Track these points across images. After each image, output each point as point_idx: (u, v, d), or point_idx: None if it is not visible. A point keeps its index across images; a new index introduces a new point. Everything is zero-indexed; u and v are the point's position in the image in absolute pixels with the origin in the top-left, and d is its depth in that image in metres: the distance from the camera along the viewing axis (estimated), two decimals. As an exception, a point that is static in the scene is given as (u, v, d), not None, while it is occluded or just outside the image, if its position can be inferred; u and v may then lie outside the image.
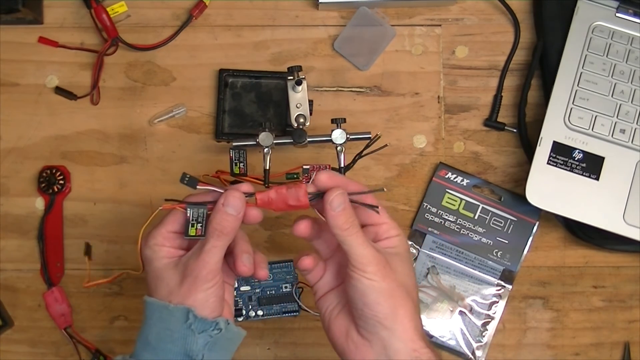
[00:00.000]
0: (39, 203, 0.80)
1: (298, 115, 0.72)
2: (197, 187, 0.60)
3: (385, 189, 0.61)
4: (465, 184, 0.80)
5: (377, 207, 0.59)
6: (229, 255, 0.60)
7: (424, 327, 0.58)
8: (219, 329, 0.57)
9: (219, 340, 0.57)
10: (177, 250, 0.59)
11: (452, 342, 0.79)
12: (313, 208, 0.60)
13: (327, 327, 0.60)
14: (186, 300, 0.57)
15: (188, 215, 0.59)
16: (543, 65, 0.80)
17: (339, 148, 0.70)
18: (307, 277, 0.62)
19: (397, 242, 0.60)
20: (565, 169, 0.76)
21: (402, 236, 0.60)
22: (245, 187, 0.60)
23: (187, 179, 0.60)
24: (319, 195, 0.59)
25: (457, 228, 0.80)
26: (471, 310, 0.80)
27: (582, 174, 0.76)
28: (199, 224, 0.59)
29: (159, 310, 0.57)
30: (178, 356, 0.56)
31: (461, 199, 0.80)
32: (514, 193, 0.80)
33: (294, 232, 0.61)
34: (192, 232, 0.59)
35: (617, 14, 0.78)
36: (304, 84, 0.72)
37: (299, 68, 0.72)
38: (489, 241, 0.80)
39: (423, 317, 0.79)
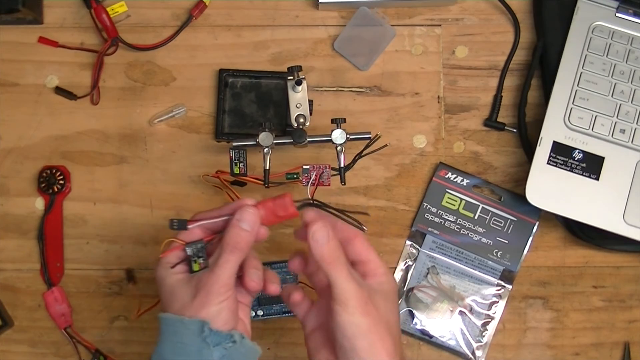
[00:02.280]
0: (39, 203, 0.80)
1: (298, 115, 0.72)
2: (188, 227, 0.62)
3: (365, 223, 0.62)
4: (465, 184, 0.80)
5: (364, 227, 0.61)
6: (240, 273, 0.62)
7: None
8: (234, 342, 0.58)
9: (234, 355, 0.58)
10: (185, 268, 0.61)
11: (452, 342, 0.79)
12: (298, 239, 0.61)
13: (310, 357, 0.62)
14: (199, 313, 0.57)
15: (189, 254, 0.60)
16: (543, 65, 0.80)
17: (339, 148, 0.70)
18: (294, 310, 0.64)
19: (384, 279, 0.61)
20: (565, 169, 0.76)
21: (389, 275, 0.61)
22: (249, 201, 0.61)
23: (175, 224, 0.61)
24: (308, 204, 0.60)
25: (457, 228, 0.80)
26: (471, 310, 0.80)
27: (582, 174, 0.76)
28: (201, 258, 0.60)
29: (173, 324, 0.58)
30: None
31: (461, 199, 0.80)
32: (514, 193, 0.80)
33: (289, 268, 0.64)
34: (195, 267, 0.60)
35: (617, 14, 0.78)
36: (304, 84, 0.72)
37: (299, 68, 0.72)
38: (489, 241, 0.80)
39: (423, 317, 0.79)
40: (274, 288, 0.62)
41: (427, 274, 0.80)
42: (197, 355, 0.57)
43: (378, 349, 0.57)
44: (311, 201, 0.61)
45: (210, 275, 0.58)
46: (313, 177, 0.68)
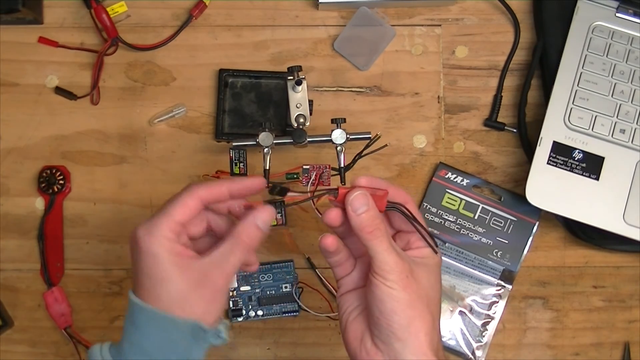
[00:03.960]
0: (39, 203, 0.80)
1: (298, 115, 0.72)
2: (289, 193, 0.59)
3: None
4: (465, 184, 0.80)
5: (401, 205, 0.57)
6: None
7: (441, 343, 0.57)
8: (222, 338, 0.55)
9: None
10: (186, 250, 0.55)
11: (452, 342, 0.79)
12: (328, 219, 0.58)
13: (344, 328, 0.58)
14: (199, 308, 0.53)
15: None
16: (543, 65, 0.80)
17: (339, 148, 0.70)
18: (334, 269, 0.60)
19: (428, 253, 0.58)
20: (565, 169, 0.76)
21: (432, 238, 0.58)
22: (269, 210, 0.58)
23: (277, 189, 0.58)
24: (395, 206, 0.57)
25: (457, 228, 0.80)
26: (471, 310, 0.80)
27: (582, 174, 0.76)
28: (279, 214, 0.57)
29: (162, 320, 0.53)
30: None
31: (461, 199, 0.80)
32: (514, 193, 0.80)
33: (325, 220, 0.58)
34: (272, 222, 0.57)
35: (617, 14, 0.78)
36: (304, 84, 0.72)
37: (299, 68, 0.72)
38: (489, 241, 0.80)
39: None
40: (255, 266, 0.60)
41: (427, 274, 0.80)
42: (185, 352, 0.53)
43: (416, 327, 0.54)
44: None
45: (221, 272, 0.54)
46: (313, 177, 0.68)
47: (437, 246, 0.58)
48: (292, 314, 0.80)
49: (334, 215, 0.57)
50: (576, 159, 0.76)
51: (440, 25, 0.82)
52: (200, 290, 0.53)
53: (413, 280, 0.54)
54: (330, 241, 0.58)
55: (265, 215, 0.56)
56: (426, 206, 0.80)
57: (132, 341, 0.54)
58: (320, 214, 0.58)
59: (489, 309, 0.80)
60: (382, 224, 0.55)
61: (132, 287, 0.55)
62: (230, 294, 0.80)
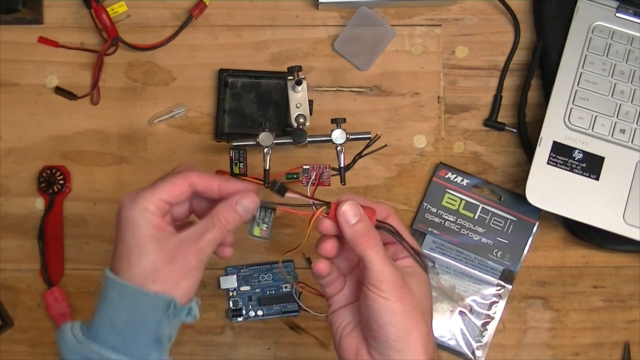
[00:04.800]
0: (39, 203, 0.80)
1: (298, 115, 0.72)
2: (287, 194, 0.59)
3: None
4: (465, 184, 0.80)
5: (389, 225, 0.58)
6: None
7: (436, 350, 0.57)
8: (193, 315, 0.55)
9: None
10: (165, 225, 0.55)
11: (452, 342, 0.79)
12: (321, 230, 0.58)
13: (338, 343, 0.58)
14: (170, 282, 0.53)
15: (256, 214, 0.57)
16: (543, 65, 0.80)
17: (339, 148, 0.70)
18: (325, 289, 0.60)
19: (415, 262, 0.58)
20: (565, 169, 0.76)
21: (422, 256, 0.59)
22: (252, 191, 0.58)
23: (277, 186, 0.58)
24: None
25: (457, 228, 0.80)
26: (471, 310, 0.80)
27: (582, 174, 0.76)
28: (265, 225, 0.57)
29: (133, 294, 0.53)
30: (148, 341, 0.53)
31: (461, 199, 0.80)
32: (514, 193, 0.80)
33: (319, 252, 0.58)
34: (256, 232, 0.58)
35: (617, 14, 0.78)
36: (304, 84, 0.72)
37: (299, 68, 0.72)
38: (489, 241, 0.80)
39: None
40: (229, 251, 0.60)
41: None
42: (156, 328, 0.53)
43: (414, 338, 0.54)
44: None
45: (195, 247, 0.54)
46: (313, 177, 0.68)
47: (427, 263, 0.59)
48: (292, 314, 0.80)
49: (329, 247, 0.58)
50: (576, 159, 0.76)
51: (440, 25, 0.82)
52: (172, 265, 0.53)
53: (407, 291, 0.55)
54: (323, 266, 0.58)
55: (247, 202, 0.56)
56: (426, 206, 0.80)
57: (103, 317, 0.54)
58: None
59: (489, 309, 0.80)
60: (376, 233, 0.56)
61: (110, 264, 0.55)
62: (230, 294, 0.80)
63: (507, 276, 0.80)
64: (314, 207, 0.58)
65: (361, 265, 0.56)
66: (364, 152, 0.71)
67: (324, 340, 0.80)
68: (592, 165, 0.76)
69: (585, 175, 0.76)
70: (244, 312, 0.80)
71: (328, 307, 0.60)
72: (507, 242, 0.80)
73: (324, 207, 0.57)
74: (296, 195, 0.59)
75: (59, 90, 0.81)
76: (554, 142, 0.76)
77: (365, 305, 0.55)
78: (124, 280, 0.53)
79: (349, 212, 0.56)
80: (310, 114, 0.75)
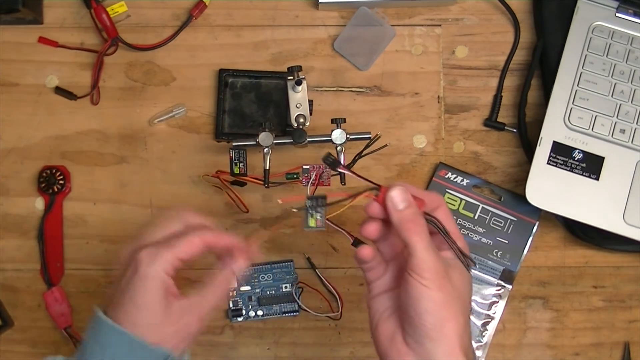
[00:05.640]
0: (39, 203, 0.80)
1: (298, 115, 0.73)
2: (337, 169, 0.59)
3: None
4: (465, 184, 0.80)
5: (473, 263, 0.58)
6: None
7: (471, 344, 0.57)
8: None
9: None
10: (175, 289, 0.56)
11: (452, 342, 0.79)
12: (369, 213, 0.58)
13: (375, 327, 0.58)
14: (169, 344, 0.55)
15: (308, 205, 0.57)
16: (543, 65, 0.80)
17: (338, 148, 0.71)
18: (367, 273, 0.60)
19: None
20: (565, 169, 0.76)
21: (466, 249, 0.59)
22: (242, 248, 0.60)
23: (330, 159, 0.58)
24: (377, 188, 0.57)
25: (457, 228, 0.80)
26: (471, 310, 0.79)
27: (582, 174, 0.76)
28: (319, 214, 0.57)
29: (133, 345, 0.54)
30: None
31: (461, 199, 0.80)
32: (514, 193, 0.80)
33: (363, 232, 0.58)
34: (312, 222, 0.58)
35: (617, 14, 0.78)
36: (304, 84, 0.72)
37: (299, 68, 0.72)
38: (489, 241, 0.80)
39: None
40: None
41: (427, 274, 0.80)
42: None
43: (449, 328, 0.54)
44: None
45: (197, 314, 0.57)
46: (313, 177, 0.68)
47: (470, 263, 0.59)
48: (292, 314, 0.80)
49: (372, 229, 0.58)
50: (576, 159, 0.76)
51: (440, 25, 0.82)
52: (175, 328, 0.55)
53: (448, 281, 0.55)
54: (367, 252, 0.58)
55: (241, 265, 0.59)
56: (426, 206, 0.80)
57: (93, 356, 0.55)
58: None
59: (489, 309, 0.80)
60: (422, 220, 0.56)
61: (102, 304, 0.56)
62: (230, 294, 0.80)
63: (507, 276, 0.80)
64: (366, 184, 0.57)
65: (405, 251, 0.56)
66: (364, 152, 0.71)
67: (323, 340, 0.80)
68: (592, 165, 0.76)
69: (585, 175, 0.76)
70: (244, 312, 0.80)
71: (368, 292, 0.60)
72: (507, 242, 0.80)
73: (375, 189, 0.56)
74: (347, 171, 0.59)
75: (59, 90, 0.81)
76: (554, 142, 0.76)
77: (405, 291, 0.55)
78: (126, 329, 0.54)
79: (397, 197, 0.55)
80: (310, 114, 0.75)
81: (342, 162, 0.70)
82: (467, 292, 0.57)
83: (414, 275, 0.54)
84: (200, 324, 0.57)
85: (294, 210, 0.59)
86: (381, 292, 0.59)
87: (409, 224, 0.55)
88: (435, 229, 0.57)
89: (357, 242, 0.59)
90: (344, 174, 0.70)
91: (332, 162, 0.58)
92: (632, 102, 0.77)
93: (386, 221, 0.57)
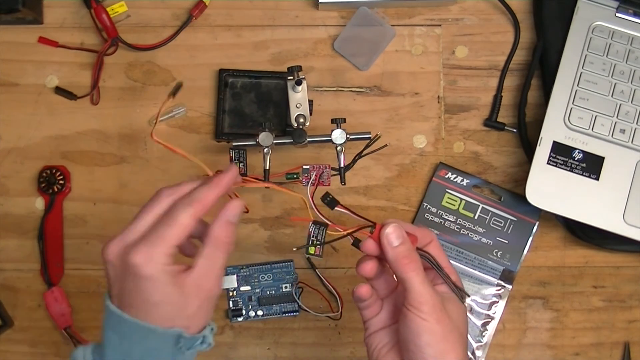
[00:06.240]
0: (39, 203, 0.80)
1: (298, 115, 0.72)
2: (336, 208, 0.61)
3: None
4: (465, 184, 0.80)
5: (465, 296, 0.60)
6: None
7: None
8: (208, 343, 0.55)
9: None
10: (178, 266, 0.54)
11: (452, 342, 0.79)
12: (364, 250, 0.59)
13: None
14: (200, 321, 0.55)
15: (310, 230, 0.59)
16: (543, 65, 0.80)
17: (339, 148, 0.70)
18: (363, 311, 0.61)
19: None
20: (565, 169, 0.76)
21: (459, 282, 0.60)
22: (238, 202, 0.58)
23: (328, 199, 0.60)
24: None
25: (457, 228, 0.80)
26: (471, 310, 0.80)
27: (582, 174, 0.76)
28: (319, 242, 0.59)
29: (143, 331, 0.53)
30: None
31: (461, 199, 0.80)
32: (514, 193, 0.80)
33: (359, 272, 0.59)
34: (312, 250, 0.59)
35: (617, 14, 0.78)
36: (304, 84, 0.72)
37: (299, 68, 0.72)
38: (489, 241, 0.80)
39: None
40: None
41: (427, 274, 0.80)
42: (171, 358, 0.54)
43: (449, 359, 0.55)
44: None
45: (210, 279, 0.55)
46: (313, 177, 0.68)
47: (464, 295, 0.60)
48: (292, 314, 0.80)
49: (369, 268, 0.59)
50: (576, 159, 0.76)
51: (440, 25, 0.82)
52: (198, 302, 0.54)
53: (445, 314, 0.56)
54: (365, 290, 0.60)
55: (233, 210, 0.57)
56: (426, 206, 0.80)
57: (119, 350, 0.54)
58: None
59: (489, 309, 0.80)
60: (417, 256, 0.57)
61: (114, 300, 0.55)
62: (230, 294, 0.80)
63: (507, 276, 0.80)
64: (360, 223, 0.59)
65: (401, 287, 0.57)
66: (364, 152, 0.71)
67: (323, 340, 0.80)
68: (592, 165, 0.76)
69: (585, 175, 0.76)
70: (244, 312, 0.80)
71: (365, 330, 0.61)
72: (507, 242, 0.80)
73: (370, 226, 0.58)
74: (345, 210, 0.61)
75: (59, 90, 0.81)
76: (554, 142, 0.76)
77: (404, 326, 0.56)
78: (136, 318, 0.53)
79: (392, 234, 0.57)
80: (310, 114, 0.75)
81: (342, 163, 0.70)
82: (463, 324, 0.58)
83: (412, 310, 0.55)
84: (218, 285, 0.55)
85: (294, 249, 0.61)
86: (378, 329, 0.60)
87: (404, 260, 0.56)
88: (429, 264, 0.59)
89: (357, 242, 0.59)
90: (344, 174, 0.70)
91: (330, 200, 0.60)
92: (632, 102, 0.77)
93: (380, 258, 0.59)
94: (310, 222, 0.59)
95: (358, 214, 0.60)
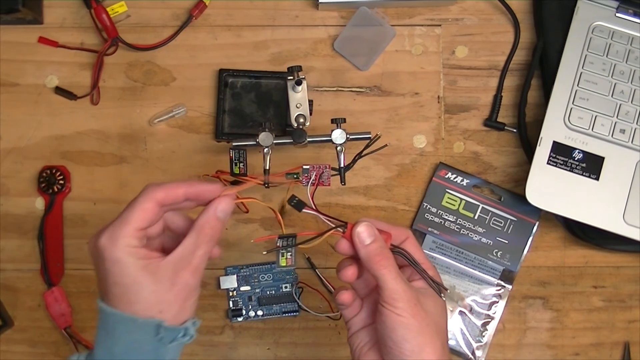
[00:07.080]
0: (39, 203, 0.80)
1: (298, 115, 0.72)
2: (304, 210, 0.60)
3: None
4: (465, 184, 0.80)
5: (443, 292, 0.60)
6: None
7: None
8: (190, 336, 0.55)
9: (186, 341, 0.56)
10: (150, 252, 0.54)
11: (452, 342, 0.79)
12: (339, 251, 0.60)
13: None
14: (175, 307, 0.54)
15: (278, 245, 0.59)
16: (543, 65, 0.80)
17: (339, 148, 0.70)
18: (343, 312, 0.62)
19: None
20: (565, 169, 0.76)
21: (437, 276, 0.60)
22: (227, 191, 0.58)
23: (294, 201, 0.60)
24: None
25: (457, 228, 0.80)
26: (471, 310, 0.80)
27: (582, 174, 0.76)
28: (289, 253, 0.59)
29: (124, 322, 0.53)
30: None
31: (461, 199, 0.80)
32: (514, 193, 0.80)
33: (340, 278, 0.60)
34: (283, 262, 0.59)
35: (617, 14, 0.78)
36: (304, 84, 0.72)
37: (299, 68, 0.72)
38: (489, 241, 0.80)
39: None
40: (217, 251, 0.59)
41: (427, 274, 0.80)
42: (153, 353, 0.54)
43: (427, 353, 0.55)
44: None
45: (189, 268, 0.54)
46: (313, 177, 0.68)
47: (442, 290, 0.60)
48: (292, 314, 0.80)
49: (350, 274, 0.60)
50: (576, 159, 0.76)
51: (440, 25, 0.82)
52: (173, 290, 0.54)
53: (421, 308, 0.56)
54: (347, 297, 0.61)
55: (224, 205, 0.57)
56: (426, 206, 0.80)
57: (104, 346, 0.54)
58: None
59: (489, 309, 0.80)
60: (389, 253, 0.58)
61: (100, 295, 0.55)
62: (230, 294, 0.80)
63: (507, 276, 0.80)
64: (330, 225, 0.59)
65: (377, 285, 0.58)
66: (364, 152, 0.71)
67: (323, 340, 0.80)
68: (592, 165, 0.76)
69: (585, 175, 0.76)
70: (244, 312, 0.80)
71: (347, 330, 0.62)
72: (507, 242, 0.80)
73: (342, 226, 0.59)
74: (313, 212, 0.61)
75: (59, 90, 0.81)
76: (554, 142, 0.76)
77: (381, 322, 0.57)
78: (116, 309, 0.53)
79: (363, 232, 0.58)
80: (310, 114, 0.75)
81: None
82: (441, 318, 0.59)
83: (387, 306, 0.56)
84: (196, 276, 0.55)
85: (264, 253, 0.60)
86: (359, 329, 0.61)
87: (376, 257, 0.57)
88: (405, 260, 0.59)
89: (299, 205, 0.60)
90: (344, 174, 0.70)
91: (296, 203, 0.60)
92: (632, 102, 0.77)
93: (358, 259, 0.59)
94: (277, 238, 0.59)
95: (328, 215, 0.60)
